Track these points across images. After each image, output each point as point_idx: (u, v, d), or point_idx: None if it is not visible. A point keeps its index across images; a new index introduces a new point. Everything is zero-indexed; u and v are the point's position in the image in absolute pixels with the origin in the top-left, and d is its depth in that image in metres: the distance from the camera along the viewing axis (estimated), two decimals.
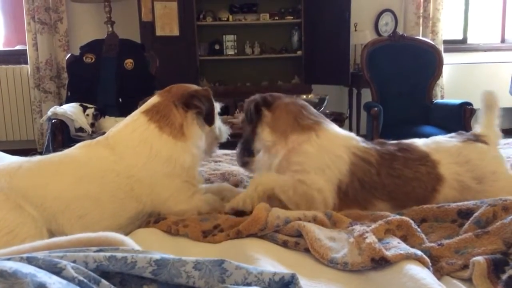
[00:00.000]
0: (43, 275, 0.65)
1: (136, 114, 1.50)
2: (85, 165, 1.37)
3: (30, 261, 0.71)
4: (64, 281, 0.67)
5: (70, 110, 3.40)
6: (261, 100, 1.59)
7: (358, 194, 1.43)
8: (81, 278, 0.69)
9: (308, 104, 1.64)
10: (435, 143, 1.55)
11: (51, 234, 1.20)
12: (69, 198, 1.27)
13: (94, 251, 0.78)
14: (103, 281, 0.72)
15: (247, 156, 1.63)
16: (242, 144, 1.67)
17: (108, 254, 0.76)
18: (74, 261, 0.73)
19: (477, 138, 1.56)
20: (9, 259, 0.71)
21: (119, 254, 0.76)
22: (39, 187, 1.26)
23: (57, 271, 0.69)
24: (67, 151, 1.45)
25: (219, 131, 1.65)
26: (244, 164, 1.66)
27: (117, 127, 1.50)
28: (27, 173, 1.29)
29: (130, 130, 1.46)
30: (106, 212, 1.32)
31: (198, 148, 1.52)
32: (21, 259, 0.72)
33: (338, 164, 1.44)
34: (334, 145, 1.48)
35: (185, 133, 1.47)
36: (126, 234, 1.33)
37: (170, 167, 1.43)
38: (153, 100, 1.52)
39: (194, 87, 1.57)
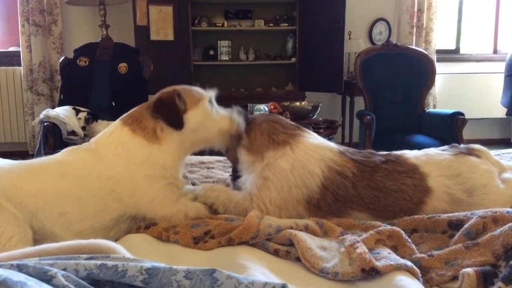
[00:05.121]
0: (33, 284, 0.65)
1: (116, 121, 1.54)
2: (66, 165, 1.39)
3: (20, 268, 0.71)
4: None
5: (63, 113, 3.38)
6: None
7: (331, 206, 1.46)
8: (72, 286, 0.69)
9: (283, 118, 1.68)
10: (426, 156, 1.57)
11: (33, 232, 1.20)
12: (48, 195, 1.28)
13: (85, 259, 0.78)
14: None
15: (236, 178, 1.67)
16: (232, 169, 1.75)
17: (99, 262, 0.76)
18: (64, 269, 0.73)
19: (470, 151, 1.57)
20: None
21: (109, 262, 0.76)
22: (18, 186, 1.27)
23: (47, 279, 0.69)
24: (52, 155, 1.45)
25: (224, 120, 1.58)
26: (235, 186, 1.68)
27: (100, 133, 1.54)
28: (6, 173, 1.30)
29: (108, 134, 1.49)
30: (88, 211, 1.33)
31: (175, 150, 1.49)
32: (11, 267, 0.71)
33: (308, 182, 1.46)
34: (308, 160, 1.49)
35: (158, 136, 1.46)
36: (114, 237, 1.34)
37: (151, 169, 1.43)
38: (135, 108, 1.55)
39: (173, 89, 1.53)
